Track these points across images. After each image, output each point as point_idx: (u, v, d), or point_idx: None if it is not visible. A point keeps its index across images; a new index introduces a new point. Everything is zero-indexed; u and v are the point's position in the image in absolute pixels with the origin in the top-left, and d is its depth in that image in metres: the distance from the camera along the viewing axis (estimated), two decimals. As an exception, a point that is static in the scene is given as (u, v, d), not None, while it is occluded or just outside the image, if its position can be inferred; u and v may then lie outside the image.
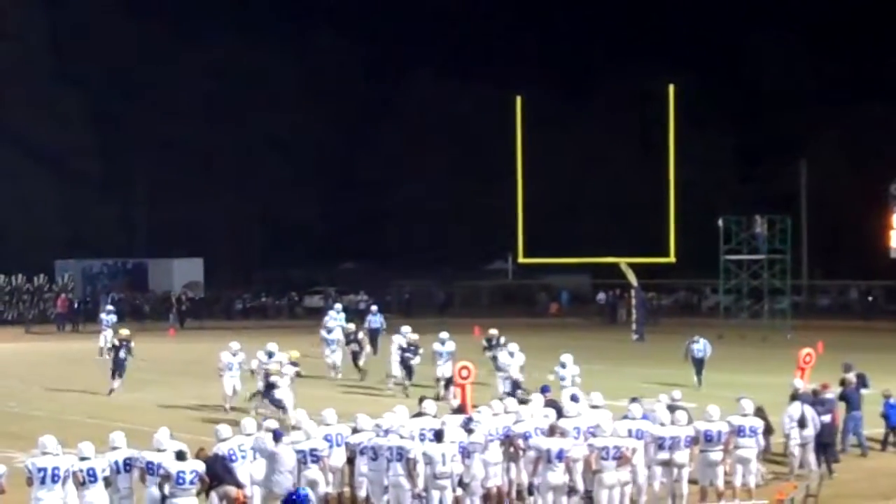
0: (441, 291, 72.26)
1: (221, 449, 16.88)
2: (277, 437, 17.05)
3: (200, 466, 15.89)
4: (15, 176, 69.47)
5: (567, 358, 26.60)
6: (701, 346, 33.51)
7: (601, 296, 66.55)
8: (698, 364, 33.25)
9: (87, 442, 15.95)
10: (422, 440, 17.52)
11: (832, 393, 22.14)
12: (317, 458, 17.16)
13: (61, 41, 72.69)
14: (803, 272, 65.97)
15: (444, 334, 31.25)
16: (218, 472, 16.27)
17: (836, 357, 27.60)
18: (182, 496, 15.56)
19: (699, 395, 22.01)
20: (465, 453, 17.48)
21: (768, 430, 19.92)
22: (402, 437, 17.13)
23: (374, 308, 42.07)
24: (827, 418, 20.93)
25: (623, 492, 17.46)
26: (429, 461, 16.95)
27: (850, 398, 22.40)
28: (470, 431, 17.82)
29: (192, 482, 15.62)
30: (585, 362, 28.24)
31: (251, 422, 17.90)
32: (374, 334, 39.10)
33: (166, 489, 15.62)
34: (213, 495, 16.24)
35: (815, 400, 21.30)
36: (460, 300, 71.49)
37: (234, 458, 16.89)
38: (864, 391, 23.21)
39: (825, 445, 20.80)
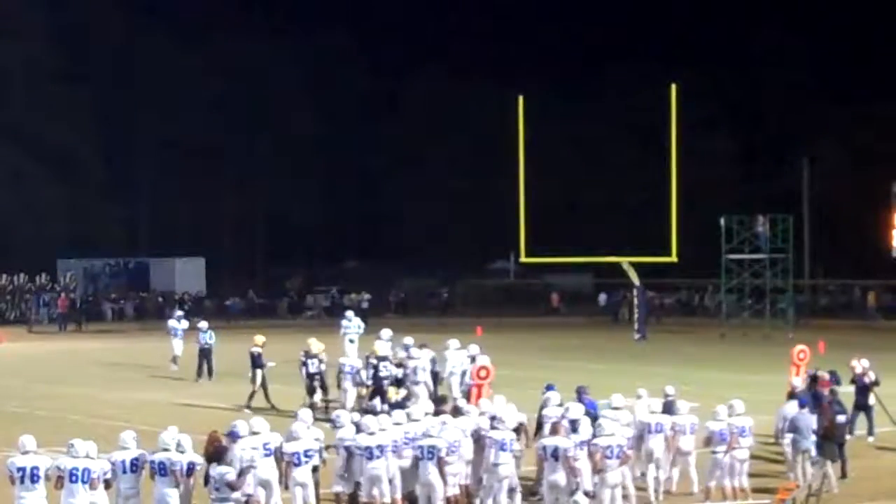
0: (443, 291, 72.20)
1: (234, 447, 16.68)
2: (234, 437, 16.71)
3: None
4: (17, 175, 69.49)
5: (349, 313, 32.37)
6: None
7: (602, 297, 66.53)
8: None
9: (89, 441, 15.92)
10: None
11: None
12: (309, 458, 17.11)
13: (64, 41, 72.65)
14: (805, 272, 65.92)
15: (453, 341, 28.19)
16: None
17: (838, 357, 27.56)
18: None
19: (700, 394, 21.93)
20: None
21: None
22: (431, 436, 17.22)
23: (203, 324, 36.16)
24: (842, 418, 20.78)
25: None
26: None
27: (819, 396, 22.19)
28: (495, 429, 17.88)
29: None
30: (586, 361, 28.24)
31: (261, 421, 17.77)
32: (205, 353, 34.65)
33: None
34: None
35: (816, 394, 21.27)
36: (462, 300, 71.43)
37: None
38: (837, 388, 23.07)
39: (839, 446, 20.53)
